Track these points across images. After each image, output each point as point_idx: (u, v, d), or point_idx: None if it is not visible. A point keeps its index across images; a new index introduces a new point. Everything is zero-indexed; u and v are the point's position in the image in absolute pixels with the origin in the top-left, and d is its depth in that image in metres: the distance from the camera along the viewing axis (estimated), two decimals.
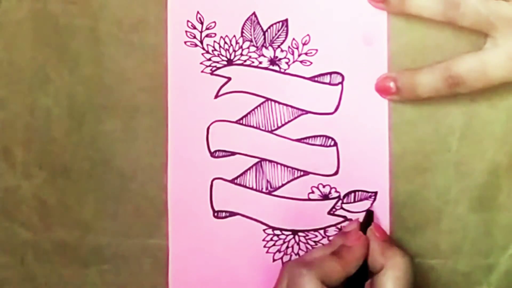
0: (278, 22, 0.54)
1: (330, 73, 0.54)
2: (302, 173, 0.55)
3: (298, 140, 0.55)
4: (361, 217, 0.55)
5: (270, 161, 0.55)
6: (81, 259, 0.56)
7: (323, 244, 0.55)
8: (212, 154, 0.55)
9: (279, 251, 0.56)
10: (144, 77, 0.55)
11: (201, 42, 0.54)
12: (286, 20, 0.54)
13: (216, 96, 0.55)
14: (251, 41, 0.54)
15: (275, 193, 0.55)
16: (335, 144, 0.55)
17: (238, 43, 0.54)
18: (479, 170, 0.54)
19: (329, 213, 0.55)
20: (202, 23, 0.54)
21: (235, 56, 0.54)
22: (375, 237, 0.53)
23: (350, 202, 0.55)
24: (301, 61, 0.54)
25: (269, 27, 0.54)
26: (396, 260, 0.51)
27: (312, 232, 0.55)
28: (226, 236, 0.56)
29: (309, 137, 0.55)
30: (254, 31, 0.54)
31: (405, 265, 0.51)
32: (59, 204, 0.56)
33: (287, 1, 0.54)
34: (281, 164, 0.55)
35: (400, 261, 0.51)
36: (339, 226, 0.55)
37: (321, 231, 0.55)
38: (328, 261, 0.51)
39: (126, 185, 0.56)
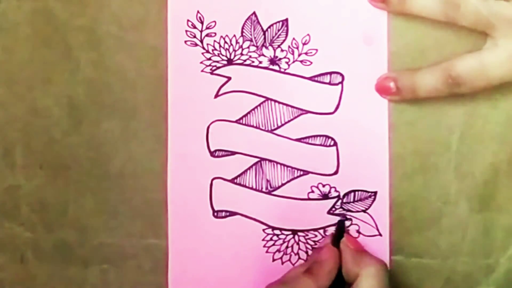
0: (278, 21, 0.54)
1: (330, 73, 0.54)
2: (302, 172, 0.55)
3: (298, 140, 0.55)
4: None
5: (270, 160, 0.55)
6: (81, 259, 0.56)
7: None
8: (212, 154, 0.55)
9: (278, 251, 0.56)
10: (144, 77, 0.55)
11: (201, 41, 0.54)
12: (286, 19, 0.54)
13: (216, 96, 0.55)
14: (251, 40, 0.54)
15: (275, 192, 0.55)
16: (335, 144, 0.55)
17: (238, 42, 0.54)
18: (479, 170, 0.54)
19: (328, 212, 0.55)
20: (202, 22, 0.54)
21: (235, 55, 0.54)
22: (348, 247, 0.53)
23: (350, 202, 0.55)
24: (301, 61, 0.54)
25: (269, 27, 0.54)
26: (370, 269, 0.51)
27: (312, 231, 0.56)
28: (226, 236, 0.56)
29: (309, 137, 0.55)
30: (254, 30, 0.54)
31: (379, 273, 0.51)
32: (59, 204, 0.56)
33: (287, 1, 0.54)
34: (281, 164, 0.55)
35: (374, 269, 0.51)
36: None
37: (321, 231, 0.55)
38: (301, 279, 0.51)
39: (126, 185, 0.56)
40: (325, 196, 0.55)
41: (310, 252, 0.56)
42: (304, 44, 0.54)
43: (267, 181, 0.55)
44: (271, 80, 0.54)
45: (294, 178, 0.55)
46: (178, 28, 0.54)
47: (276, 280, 0.53)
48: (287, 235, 0.56)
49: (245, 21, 0.54)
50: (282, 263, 0.56)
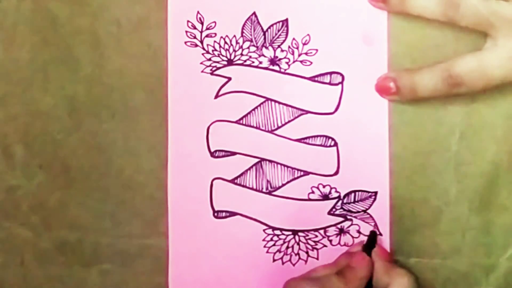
0: (278, 22, 0.54)
1: (330, 73, 0.54)
2: (302, 173, 0.55)
3: (298, 140, 0.55)
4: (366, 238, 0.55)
5: (270, 161, 0.55)
6: (81, 259, 0.56)
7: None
8: (212, 154, 0.55)
9: (279, 251, 0.56)
10: (144, 77, 0.55)
11: (201, 42, 0.54)
12: (286, 20, 0.54)
13: (216, 96, 0.55)
14: (251, 41, 0.54)
15: (275, 193, 0.55)
16: (335, 144, 0.55)
17: (238, 43, 0.54)
18: (479, 170, 0.54)
19: (329, 213, 0.55)
20: (202, 23, 0.54)
21: (235, 56, 0.54)
22: (379, 257, 0.53)
23: (350, 202, 0.55)
24: (301, 61, 0.54)
25: (269, 27, 0.54)
26: (401, 279, 0.52)
27: (312, 232, 0.55)
28: (226, 236, 0.56)
29: (309, 137, 0.55)
30: (254, 31, 0.54)
31: (410, 285, 0.52)
32: (59, 204, 0.56)
33: (287, 1, 0.54)
34: (281, 164, 0.55)
35: (405, 280, 0.52)
36: (339, 226, 0.55)
37: (321, 231, 0.55)
38: (332, 280, 0.52)
39: (126, 185, 0.56)
40: (325, 197, 0.55)
41: (310, 252, 0.56)
42: (304, 44, 0.54)
43: (268, 181, 0.55)
44: (271, 80, 0.54)
45: (295, 178, 0.55)
46: (178, 29, 0.54)
47: (301, 276, 0.54)
48: (287, 235, 0.56)
49: (245, 22, 0.54)
50: (283, 263, 0.56)
